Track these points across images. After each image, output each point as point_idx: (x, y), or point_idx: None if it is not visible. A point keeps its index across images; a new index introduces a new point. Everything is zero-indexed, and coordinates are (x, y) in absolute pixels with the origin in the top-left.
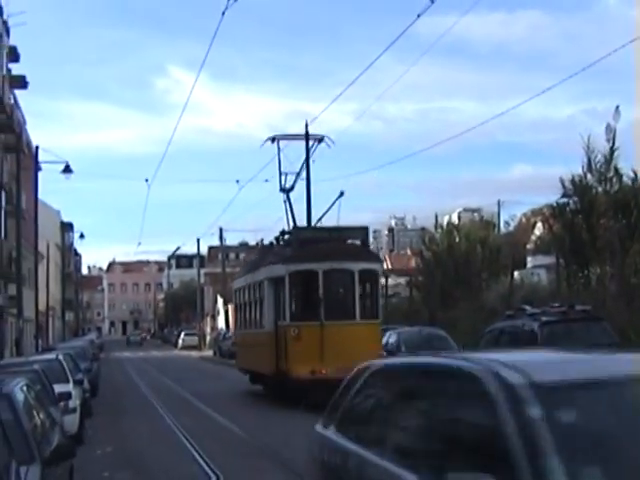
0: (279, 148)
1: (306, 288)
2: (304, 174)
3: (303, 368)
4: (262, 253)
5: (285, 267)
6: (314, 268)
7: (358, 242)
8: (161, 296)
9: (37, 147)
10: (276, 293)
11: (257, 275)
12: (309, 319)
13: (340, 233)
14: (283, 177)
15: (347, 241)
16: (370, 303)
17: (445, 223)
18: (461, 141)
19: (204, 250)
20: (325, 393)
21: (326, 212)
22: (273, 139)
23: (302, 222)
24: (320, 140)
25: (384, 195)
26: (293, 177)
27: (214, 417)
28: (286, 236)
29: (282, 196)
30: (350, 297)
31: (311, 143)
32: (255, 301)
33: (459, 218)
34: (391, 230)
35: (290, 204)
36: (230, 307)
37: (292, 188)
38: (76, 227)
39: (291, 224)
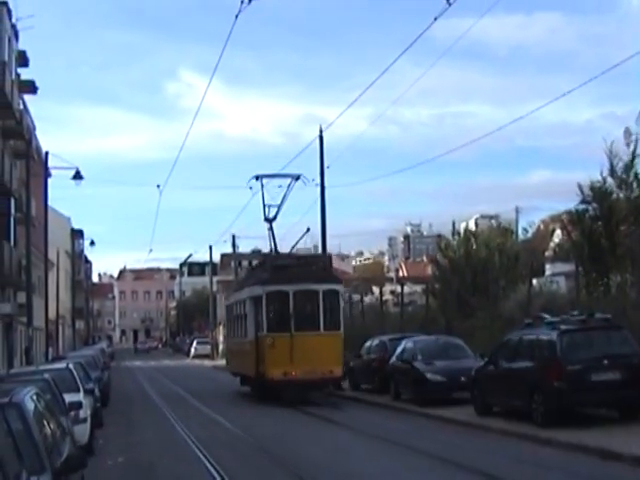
0: (262, 185)
1: (279, 305)
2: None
3: (277, 371)
4: (247, 276)
5: (262, 288)
6: (286, 289)
7: (322, 266)
8: (173, 304)
9: (47, 153)
10: (256, 309)
11: (242, 294)
12: (282, 330)
13: (307, 260)
14: (267, 208)
15: (312, 267)
16: (332, 317)
17: (462, 230)
18: (478, 146)
19: (216, 257)
20: (295, 392)
21: (295, 245)
22: (257, 177)
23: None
24: (297, 178)
25: (400, 201)
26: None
27: (227, 427)
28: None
29: (266, 225)
30: (315, 312)
31: (288, 181)
32: (240, 315)
33: (476, 225)
34: (407, 237)
35: (273, 232)
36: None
37: (275, 218)
38: (86, 234)
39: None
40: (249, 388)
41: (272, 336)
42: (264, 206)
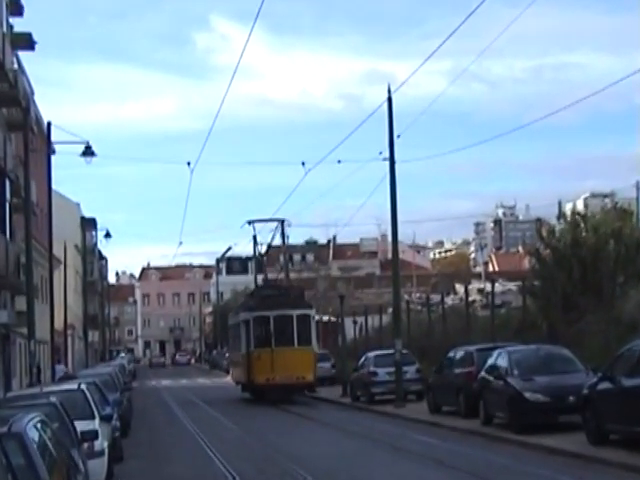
0: (254, 228)
1: (263, 327)
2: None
3: (261, 377)
4: (242, 303)
5: (250, 314)
6: (267, 314)
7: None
8: (208, 309)
9: (49, 124)
10: (246, 329)
11: (238, 318)
12: (264, 346)
13: (286, 290)
14: (259, 246)
15: (290, 295)
16: (304, 335)
17: (568, 212)
18: (587, 106)
19: (262, 251)
20: (276, 393)
21: (270, 242)
22: (250, 222)
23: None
24: (282, 222)
25: (489, 178)
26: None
27: (280, 462)
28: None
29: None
30: (290, 331)
31: (274, 224)
32: (237, 334)
33: (586, 205)
34: (498, 222)
35: (264, 266)
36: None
37: (266, 253)
38: (100, 224)
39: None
40: (248, 394)
41: (258, 351)
42: (255, 244)
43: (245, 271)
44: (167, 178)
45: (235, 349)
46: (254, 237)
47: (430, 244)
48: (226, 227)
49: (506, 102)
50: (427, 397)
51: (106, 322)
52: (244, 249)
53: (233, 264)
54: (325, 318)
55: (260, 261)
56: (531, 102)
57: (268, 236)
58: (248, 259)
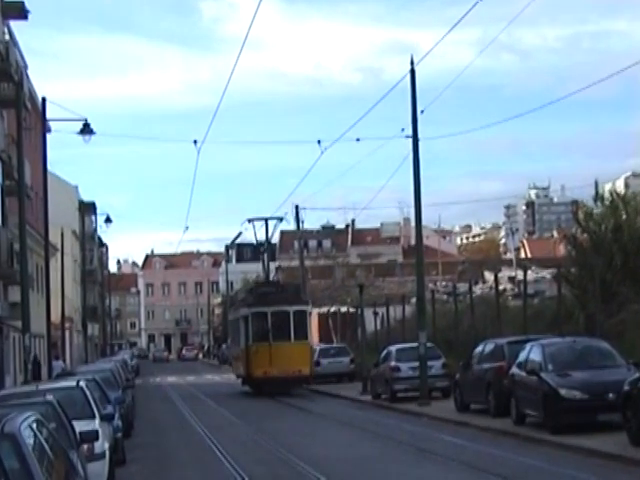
0: (254, 226)
1: (261, 322)
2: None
3: (259, 371)
4: (241, 299)
5: (249, 310)
6: (265, 310)
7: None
8: (217, 300)
9: (44, 100)
10: (245, 325)
11: (237, 314)
12: (262, 341)
13: (283, 287)
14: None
15: (287, 292)
16: (300, 330)
17: (608, 193)
18: (628, 78)
19: (275, 236)
20: (272, 386)
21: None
22: (250, 220)
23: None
24: (280, 219)
25: (520, 157)
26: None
27: (296, 465)
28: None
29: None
30: (287, 327)
31: (273, 223)
32: (237, 329)
33: (627, 186)
34: (530, 205)
35: (264, 262)
36: (312, 312)
37: (265, 250)
38: (100, 208)
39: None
40: (248, 388)
41: (255, 345)
42: (257, 243)
43: (257, 258)
44: (172, 158)
45: (235, 344)
46: (255, 235)
47: (457, 229)
48: (236, 211)
49: (539, 74)
50: (454, 394)
51: (107, 314)
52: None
53: (244, 251)
54: (343, 309)
55: (272, 248)
56: (566, 74)
57: (279, 225)
58: (260, 245)
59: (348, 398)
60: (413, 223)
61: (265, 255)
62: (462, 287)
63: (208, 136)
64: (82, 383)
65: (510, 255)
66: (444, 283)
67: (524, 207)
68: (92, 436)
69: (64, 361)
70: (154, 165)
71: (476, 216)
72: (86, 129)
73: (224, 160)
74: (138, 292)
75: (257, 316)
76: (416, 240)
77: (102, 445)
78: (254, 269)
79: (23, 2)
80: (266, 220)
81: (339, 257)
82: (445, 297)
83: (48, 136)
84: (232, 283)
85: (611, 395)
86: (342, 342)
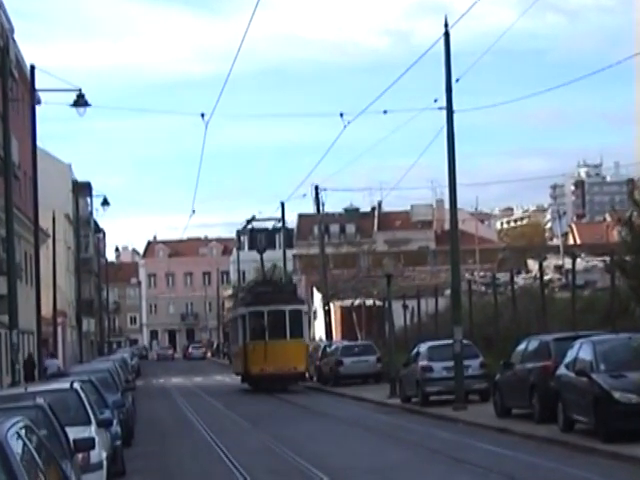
0: (253, 227)
1: (258, 321)
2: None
3: (255, 368)
4: (240, 297)
5: (246, 309)
6: (262, 309)
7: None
8: (228, 292)
9: (32, 67)
10: (243, 323)
11: (236, 312)
12: (259, 339)
13: (280, 287)
14: (259, 243)
15: (283, 292)
16: (296, 329)
17: None
18: None
19: (292, 220)
20: (268, 382)
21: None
22: (248, 222)
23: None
24: (282, 220)
25: (568, 130)
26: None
27: (317, 477)
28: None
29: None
30: (283, 325)
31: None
32: (236, 327)
33: None
34: (580, 184)
35: (262, 263)
36: (334, 305)
37: (265, 249)
38: (96, 189)
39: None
40: (247, 385)
41: (253, 343)
42: (257, 243)
43: (272, 245)
44: (177, 134)
45: (234, 342)
46: (251, 234)
47: (497, 212)
48: (248, 192)
49: (589, 36)
50: (493, 397)
51: (104, 308)
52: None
53: (257, 237)
54: (369, 302)
55: (289, 234)
56: (620, 36)
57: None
58: (275, 231)
59: (374, 402)
60: (447, 205)
61: (281, 241)
62: (502, 277)
63: (217, 108)
64: (76, 385)
65: (557, 241)
66: (482, 273)
67: (573, 187)
68: (88, 444)
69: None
70: (157, 142)
71: (518, 197)
72: (80, 101)
73: (235, 136)
74: (139, 283)
75: (254, 315)
76: (451, 225)
77: (99, 454)
78: (269, 257)
79: None
80: (283, 204)
81: (364, 244)
82: (483, 288)
83: (38, 108)
84: (244, 273)
85: None
86: (367, 339)
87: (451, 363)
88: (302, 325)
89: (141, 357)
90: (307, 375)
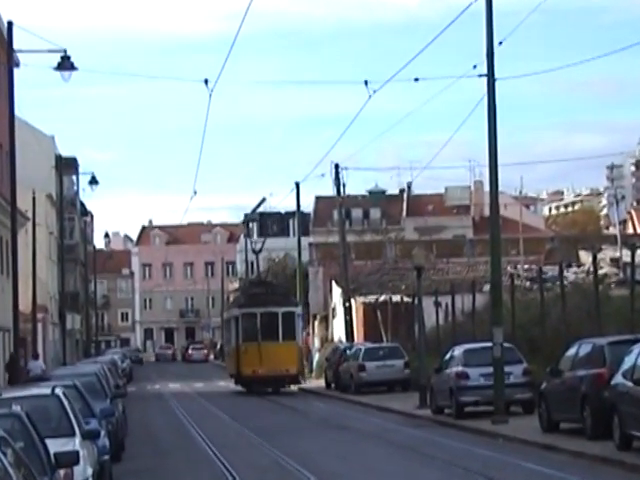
0: (248, 225)
1: (251, 322)
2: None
3: (248, 370)
4: (234, 299)
5: (239, 310)
6: (254, 311)
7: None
8: (234, 285)
9: (10, 25)
10: (236, 325)
11: (230, 313)
12: (252, 340)
13: (273, 288)
14: (253, 244)
15: (276, 294)
16: (289, 330)
17: None
18: None
19: (308, 204)
20: (261, 384)
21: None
22: (246, 217)
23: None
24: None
25: (627, 103)
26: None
27: None
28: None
29: (253, 256)
30: (275, 327)
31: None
32: (230, 328)
33: None
34: None
35: (258, 263)
36: (356, 302)
37: (260, 250)
38: (83, 166)
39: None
40: (241, 387)
41: (245, 345)
42: (251, 242)
43: (285, 232)
44: (176, 103)
45: (227, 343)
46: (263, 217)
47: (544, 195)
48: (258, 171)
49: None
50: (539, 409)
51: (91, 302)
52: (283, 201)
53: (268, 222)
54: (396, 298)
55: (305, 219)
56: None
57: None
58: (289, 215)
59: (401, 413)
60: (487, 188)
61: (296, 228)
62: (550, 271)
63: (223, 74)
64: (59, 390)
65: (613, 230)
66: (527, 266)
67: (633, 168)
68: (71, 459)
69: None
70: (153, 112)
71: (570, 179)
72: (65, 63)
73: (243, 106)
74: (132, 274)
75: (247, 317)
76: (491, 210)
77: (84, 471)
78: (281, 245)
79: None
80: (298, 185)
81: (391, 231)
82: (528, 284)
83: (16, 72)
84: (252, 264)
85: None
86: (394, 341)
87: (490, 369)
88: (295, 327)
89: (134, 361)
90: (301, 378)
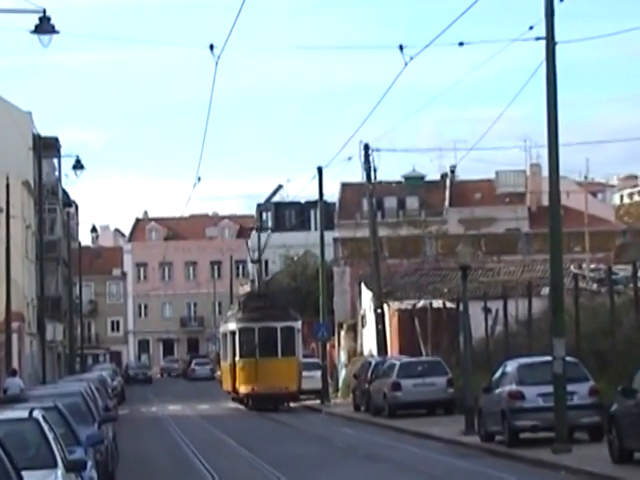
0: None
1: (248, 337)
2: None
3: (245, 387)
4: (231, 313)
5: (236, 324)
6: (252, 326)
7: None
8: (245, 287)
9: None
10: (233, 339)
11: (227, 327)
12: (249, 356)
13: (272, 302)
14: (252, 253)
15: (275, 308)
16: (288, 346)
17: None
18: None
19: (332, 192)
20: (259, 402)
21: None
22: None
23: None
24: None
25: None
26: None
27: None
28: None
29: (255, 266)
30: (273, 343)
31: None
32: (227, 343)
33: None
34: None
35: (260, 272)
36: (390, 308)
37: (259, 260)
38: (67, 148)
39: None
40: (238, 404)
41: (242, 361)
42: (248, 250)
43: (305, 225)
44: (176, 73)
45: (223, 359)
46: (280, 207)
47: (615, 181)
48: (273, 154)
49: None
50: (608, 436)
51: (76, 309)
52: (303, 190)
53: (284, 213)
54: (437, 304)
55: (329, 210)
56: None
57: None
58: (309, 205)
59: (444, 440)
60: (546, 172)
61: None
62: (622, 271)
63: (231, 38)
64: (37, 413)
65: None
66: (594, 265)
67: None
68: None
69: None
70: (149, 84)
71: None
72: (44, 25)
73: (256, 76)
74: (124, 276)
75: (245, 331)
76: (550, 198)
77: None
78: (301, 241)
79: None
80: (320, 170)
81: (431, 224)
82: (595, 286)
83: None
84: (267, 263)
85: None
86: (435, 354)
87: (550, 388)
88: (294, 343)
89: (141, 380)
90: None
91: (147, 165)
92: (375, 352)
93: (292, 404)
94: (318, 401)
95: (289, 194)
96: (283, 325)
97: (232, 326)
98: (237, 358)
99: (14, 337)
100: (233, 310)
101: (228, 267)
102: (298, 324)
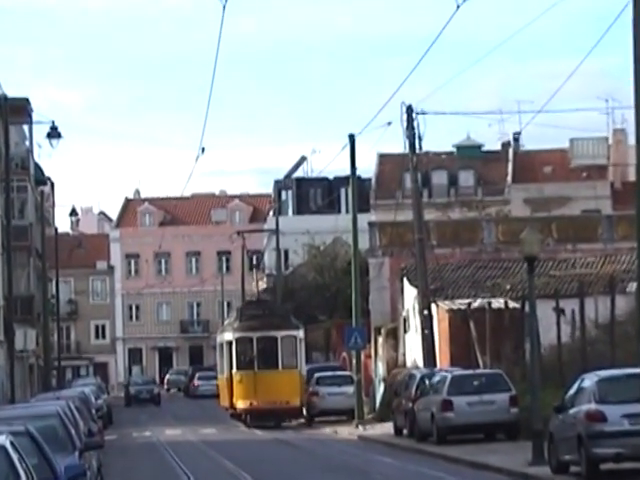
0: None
1: (246, 348)
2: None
3: (243, 402)
4: (229, 321)
5: (233, 334)
6: (250, 335)
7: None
8: (261, 284)
9: None
10: (229, 350)
11: (223, 337)
12: (247, 368)
13: (271, 310)
14: (248, 258)
15: (275, 316)
16: (289, 357)
17: None
18: None
19: (368, 165)
20: (258, 419)
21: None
22: (238, 233)
23: None
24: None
25: None
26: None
27: None
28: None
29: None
30: (274, 353)
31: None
32: (222, 355)
33: None
34: None
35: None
36: (439, 308)
37: (258, 265)
38: (39, 112)
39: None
40: (236, 420)
41: (240, 374)
42: (243, 256)
43: (334, 206)
44: (176, 22)
45: (220, 371)
46: (302, 184)
47: None
48: (295, 120)
49: None
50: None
51: (52, 311)
52: (330, 163)
53: (310, 192)
54: (497, 303)
55: (364, 187)
56: None
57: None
58: (339, 182)
59: (505, 471)
60: (633, 139)
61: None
62: None
63: None
64: (5, 440)
65: None
66: None
67: None
68: None
69: None
70: (141, 32)
71: None
72: None
73: (271, 26)
74: (111, 269)
75: (242, 341)
76: (637, 173)
77: None
78: (328, 226)
79: None
80: (353, 138)
81: (490, 205)
82: None
83: None
84: (287, 253)
85: None
86: (495, 366)
87: (638, 408)
88: (296, 353)
89: (148, 399)
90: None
91: (139, 133)
92: (421, 363)
93: (326, 429)
94: (351, 424)
95: (314, 168)
96: (284, 334)
97: (228, 336)
98: (234, 371)
99: None
100: (230, 318)
101: (239, 259)
102: (300, 333)
